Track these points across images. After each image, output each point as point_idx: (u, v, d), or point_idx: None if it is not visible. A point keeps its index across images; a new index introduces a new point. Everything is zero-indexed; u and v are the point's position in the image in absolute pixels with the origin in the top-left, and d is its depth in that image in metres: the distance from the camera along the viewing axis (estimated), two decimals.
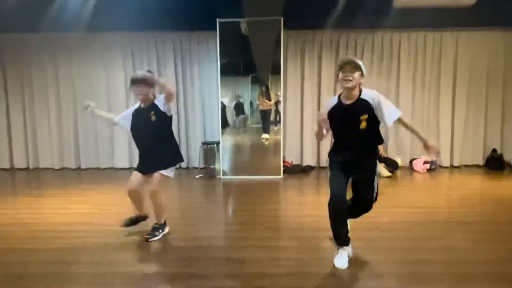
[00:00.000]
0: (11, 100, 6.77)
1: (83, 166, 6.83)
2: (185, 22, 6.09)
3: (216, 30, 5.81)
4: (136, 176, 3.32)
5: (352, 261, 2.77)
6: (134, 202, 3.39)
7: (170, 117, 3.32)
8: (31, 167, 6.88)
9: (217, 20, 5.74)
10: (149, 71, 3.29)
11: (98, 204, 4.46)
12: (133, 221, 3.46)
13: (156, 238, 3.31)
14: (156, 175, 3.25)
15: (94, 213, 4.13)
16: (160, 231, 3.37)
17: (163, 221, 3.42)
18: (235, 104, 6.94)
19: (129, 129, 3.39)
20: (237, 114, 7.04)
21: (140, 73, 3.28)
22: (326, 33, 6.53)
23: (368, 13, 5.84)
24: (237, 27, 5.91)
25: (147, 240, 3.26)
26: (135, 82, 3.20)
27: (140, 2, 5.32)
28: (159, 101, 3.24)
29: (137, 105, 3.39)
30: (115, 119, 3.46)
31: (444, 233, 3.37)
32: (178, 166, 3.59)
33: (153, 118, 3.20)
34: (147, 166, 3.30)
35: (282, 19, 5.57)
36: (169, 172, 3.30)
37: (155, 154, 3.27)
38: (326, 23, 6.03)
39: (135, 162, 6.68)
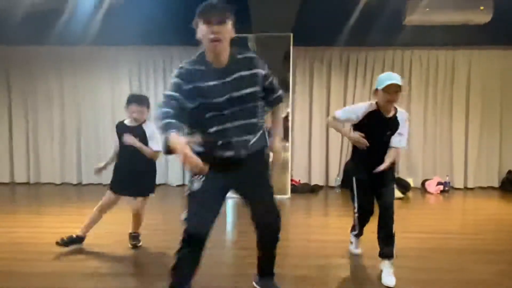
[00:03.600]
0: (14, 113, 6.69)
1: (84, 182, 6.67)
2: (193, 37, 5.99)
3: None
4: (110, 198, 3.34)
5: None
6: (92, 220, 3.40)
7: None
8: (31, 181, 6.73)
9: None
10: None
11: (98, 224, 4.26)
12: (69, 242, 3.33)
13: (140, 242, 3.48)
14: (139, 200, 3.36)
15: (92, 233, 3.92)
16: (140, 238, 3.50)
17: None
18: None
19: (117, 144, 3.38)
20: None
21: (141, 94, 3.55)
22: (336, 50, 6.41)
23: (379, 30, 5.74)
24: (244, 43, 5.81)
25: (135, 246, 3.41)
26: (139, 101, 3.29)
27: (147, 16, 5.28)
28: (148, 131, 3.28)
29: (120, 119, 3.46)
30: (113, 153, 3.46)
31: (463, 264, 3.13)
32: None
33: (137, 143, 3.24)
34: (126, 187, 3.31)
35: (291, 35, 5.47)
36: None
37: (134, 182, 3.28)
38: (336, 40, 5.93)
39: None
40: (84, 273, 2.92)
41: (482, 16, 5.39)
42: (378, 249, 2.90)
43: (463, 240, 3.78)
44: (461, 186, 6.48)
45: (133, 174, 3.27)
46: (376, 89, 2.76)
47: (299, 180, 6.46)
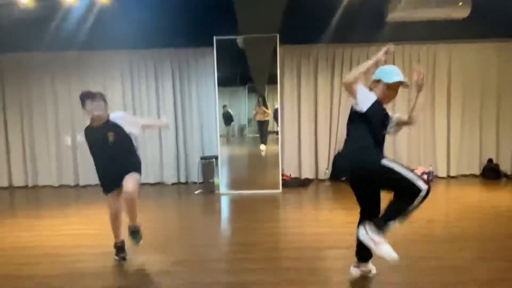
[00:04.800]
0: (9, 118, 6.79)
1: (81, 183, 6.83)
2: (183, 39, 6.15)
3: (213, 46, 5.87)
4: (113, 197, 3.24)
5: (349, 282, 2.80)
6: (116, 225, 3.30)
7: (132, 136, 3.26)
8: (30, 185, 6.88)
9: (214, 37, 5.81)
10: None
11: (97, 224, 4.43)
12: (123, 250, 3.36)
13: (141, 239, 3.34)
14: (131, 175, 3.11)
15: (93, 234, 4.11)
16: (140, 230, 3.34)
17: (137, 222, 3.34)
18: (222, 114, 6.89)
19: (88, 149, 3.27)
20: (226, 124, 7.06)
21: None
22: (322, 48, 6.60)
23: (363, 27, 5.94)
24: (234, 43, 5.97)
25: (137, 243, 3.31)
26: (92, 96, 3.10)
27: (138, 20, 5.40)
28: (120, 120, 3.16)
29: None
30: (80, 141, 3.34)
31: (444, 251, 3.38)
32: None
33: (111, 138, 3.09)
34: (114, 181, 3.16)
35: (278, 35, 5.64)
36: (139, 176, 3.22)
37: (120, 170, 3.13)
38: (322, 38, 6.12)
39: None
40: (87, 273, 3.11)
41: (461, 12, 5.63)
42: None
43: (444, 228, 4.05)
44: (444, 175, 6.79)
45: (118, 166, 3.14)
46: (379, 81, 2.54)
47: (290, 175, 6.69)
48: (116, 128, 3.14)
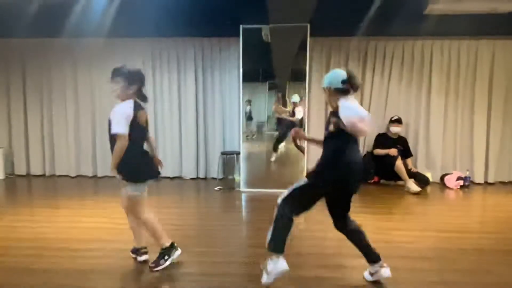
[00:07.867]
0: (29, 105, 6.70)
1: (99, 174, 6.69)
2: (207, 28, 5.90)
3: (239, 36, 5.60)
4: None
5: None
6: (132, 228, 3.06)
7: None
8: (47, 174, 6.78)
9: (241, 26, 5.53)
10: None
11: (114, 218, 4.25)
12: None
13: (160, 267, 2.90)
14: (124, 193, 2.87)
15: (110, 228, 3.92)
16: (166, 257, 2.94)
17: (168, 245, 2.97)
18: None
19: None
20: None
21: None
22: (354, 41, 6.24)
23: (398, 20, 5.54)
24: (260, 34, 5.70)
25: (151, 269, 2.89)
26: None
27: (162, 7, 5.18)
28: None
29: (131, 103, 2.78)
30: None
31: (492, 265, 3.04)
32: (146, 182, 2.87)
33: None
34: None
35: (308, 25, 5.33)
36: (131, 189, 2.77)
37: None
38: (354, 30, 5.76)
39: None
40: (102, 270, 2.90)
41: (507, 5, 5.17)
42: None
43: (483, 239, 3.66)
44: (482, 181, 6.32)
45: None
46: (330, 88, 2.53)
47: None
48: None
